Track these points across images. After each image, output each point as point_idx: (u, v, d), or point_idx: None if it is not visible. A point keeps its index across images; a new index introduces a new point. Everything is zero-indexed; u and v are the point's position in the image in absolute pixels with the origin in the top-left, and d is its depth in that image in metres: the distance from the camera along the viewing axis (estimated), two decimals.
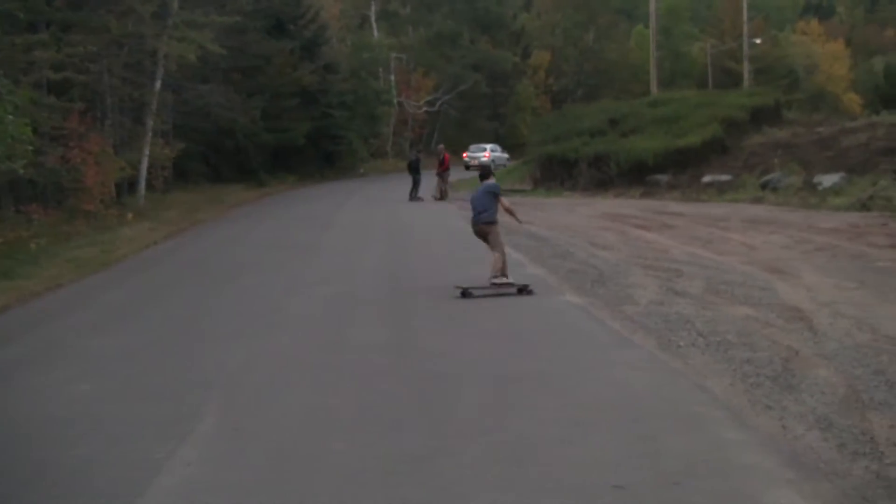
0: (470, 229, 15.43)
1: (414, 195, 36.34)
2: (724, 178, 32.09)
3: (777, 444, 7.11)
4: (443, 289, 15.02)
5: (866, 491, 6.19)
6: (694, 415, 7.88)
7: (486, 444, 7.24)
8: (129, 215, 28.97)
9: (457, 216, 28.31)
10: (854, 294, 13.06)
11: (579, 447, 7.10)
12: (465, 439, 7.37)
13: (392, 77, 71.80)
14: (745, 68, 62.74)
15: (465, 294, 14.19)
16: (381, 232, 25.49)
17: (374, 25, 74.04)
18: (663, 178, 33.88)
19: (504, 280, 14.51)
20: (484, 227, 15.06)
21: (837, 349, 9.83)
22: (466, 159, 60.09)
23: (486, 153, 58.66)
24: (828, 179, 27.95)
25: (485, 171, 16.42)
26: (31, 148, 21.79)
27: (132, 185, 33.36)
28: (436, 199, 36.18)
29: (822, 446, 7.01)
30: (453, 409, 8.25)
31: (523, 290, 14.38)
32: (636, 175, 34.67)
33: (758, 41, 72.60)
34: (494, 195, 15.17)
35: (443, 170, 36.98)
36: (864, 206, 24.39)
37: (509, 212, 15.31)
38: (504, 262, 14.77)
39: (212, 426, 8.06)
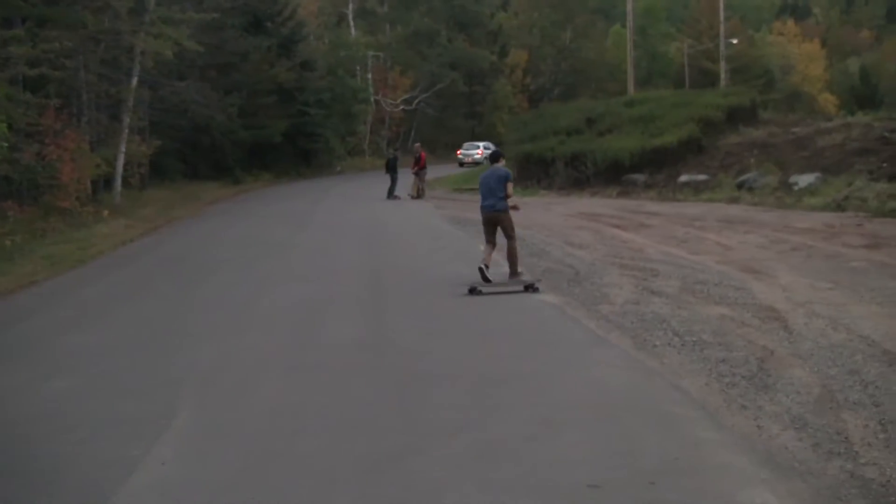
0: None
1: (391, 194, 36.44)
2: (701, 177, 32.17)
3: (752, 444, 7.13)
4: (418, 287, 15.07)
5: (840, 490, 6.22)
6: (669, 414, 7.90)
7: (461, 442, 7.24)
8: (105, 212, 28.88)
9: (434, 214, 28.34)
10: (829, 294, 13.12)
11: (555, 446, 7.10)
12: (441, 438, 7.37)
13: (369, 75, 71.81)
14: (722, 68, 63.01)
15: (473, 292, 14.19)
16: (358, 230, 25.45)
17: (352, 23, 73.94)
18: (640, 177, 33.93)
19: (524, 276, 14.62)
20: (497, 216, 14.82)
21: (812, 349, 9.87)
22: (460, 156, 60.75)
23: (480, 150, 59.31)
24: (803, 179, 28.06)
25: (495, 154, 16.23)
26: (6, 144, 21.73)
27: (108, 182, 33.26)
28: (412, 197, 36.25)
29: (797, 446, 7.05)
30: (429, 407, 8.25)
31: (530, 287, 14.39)
32: (613, 174, 34.71)
33: (734, 41, 72.96)
34: (507, 181, 14.89)
35: (419, 168, 37.02)
36: (839, 207, 24.49)
37: (510, 202, 14.99)
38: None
39: (187, 424, 8.03)
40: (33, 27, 27.95)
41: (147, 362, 10.34)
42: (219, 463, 7.00)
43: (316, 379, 9.38)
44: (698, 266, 16.09)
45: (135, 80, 33.81)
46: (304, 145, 56.28)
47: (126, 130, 33.60)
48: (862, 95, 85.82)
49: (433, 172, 42.79)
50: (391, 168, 37.39)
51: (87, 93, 32.30)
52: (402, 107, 73.90)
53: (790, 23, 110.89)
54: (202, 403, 8.68)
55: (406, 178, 37.68)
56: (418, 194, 36.38)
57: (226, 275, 17.50)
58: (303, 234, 24.08)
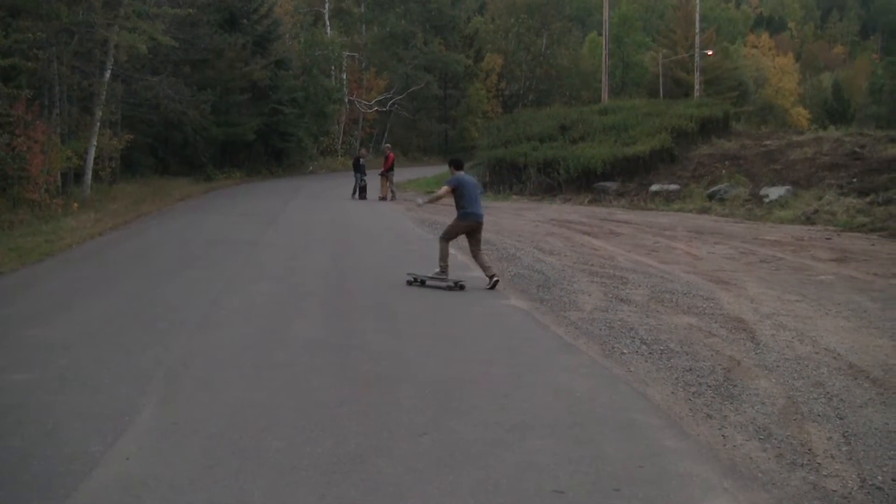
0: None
1: (357, 193, 36.60)
2: (672, 187, 32.33)
3: (716, 453, 7.15)
4: (384, 288, 15.04)
5: (802, 501, 6.24)
6: (635, 422, 7.90)
7: (424, 446, 7.22)
8: (75, 205, 28.74)
9: (404, 216, 28.28)
10: (796, 306, 13.19)
11: (519, 451, 7.09)
12: (404, 441, 7.34)
13: (344, 75, 71.70)
14: (696, 79, 63.24)
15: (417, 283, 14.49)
16: (327, 230, 25.40)
17: (328, 23, 73.78)
18: (611, 185, 34.10)
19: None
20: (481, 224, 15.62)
21: (778, 360, 9.92)
22: None
23: None
24: (774, 192, 28.23)
25: (459, 162, 16.24)
26: None
27: (79, 175, 33.09)
28: (381, 198, 36.28)
29: (761, 456, 7.07)
30: (392, 409, 8.20)
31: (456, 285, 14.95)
32: (584, 182, 34.90)
33: (709, 53, 73.29)
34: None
35: (386, 169, 37.00)
36: (808, 220, 24.69)
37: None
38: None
39: (151, 420, 7.96)
40: (6, 17, 27.74)
41: (112, 357, 10.24)
42: (183, 459, 6.93)
43: (281, 378, 9.33)
44: (667, 275, 16.15)
45: (108, 74, 33.63)
46: (277, 144, 56.17)
47: (98, 124, 33.43)
48: (834, 110, 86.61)
49: (405, 174, 42.80)
50: (357, 167, 37.55)
51: (59, 85, 32.13)
52: (375, 108, 73.84)
53: (764, 36, 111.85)
54: (167, 399, 8.61)
55: (376, 179, 37.78)
56: (387, 196, 36.39)
57: (191, 272, 17.38)
58: (272, 233, 24.01)
